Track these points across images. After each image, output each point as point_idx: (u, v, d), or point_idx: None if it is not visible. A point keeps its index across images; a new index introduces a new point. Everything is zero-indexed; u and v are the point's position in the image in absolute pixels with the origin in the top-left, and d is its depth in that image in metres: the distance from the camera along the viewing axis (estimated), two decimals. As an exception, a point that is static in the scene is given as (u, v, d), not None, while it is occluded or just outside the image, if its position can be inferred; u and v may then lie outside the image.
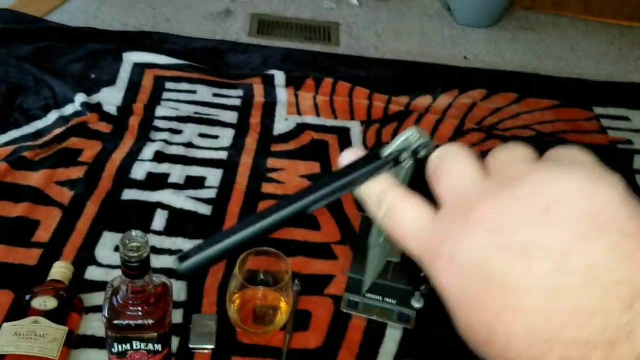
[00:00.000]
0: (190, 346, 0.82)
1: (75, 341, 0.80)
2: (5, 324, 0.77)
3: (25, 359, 0.74)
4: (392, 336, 0.87)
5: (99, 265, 0.91)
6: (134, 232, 0.63)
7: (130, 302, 0.67)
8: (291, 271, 0.82)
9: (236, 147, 1.17)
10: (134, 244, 0.63)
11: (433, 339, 0.86)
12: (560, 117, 1.35)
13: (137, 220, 0.98)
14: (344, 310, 0.89)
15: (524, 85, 1.46)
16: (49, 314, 0.79)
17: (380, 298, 0.90)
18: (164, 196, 1.03)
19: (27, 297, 0.80)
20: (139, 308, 0.67)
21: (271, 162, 1.14)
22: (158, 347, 0.70)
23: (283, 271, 0.82)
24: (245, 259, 0.82)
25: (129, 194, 1.03)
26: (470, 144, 1.23)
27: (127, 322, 0.67)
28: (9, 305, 0.82)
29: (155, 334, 0.69)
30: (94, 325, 0.82)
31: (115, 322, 0.67)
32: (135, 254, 0.62)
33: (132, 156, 1.10)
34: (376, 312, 0.88)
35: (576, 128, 1.33)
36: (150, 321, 0.68)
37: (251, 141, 1.19)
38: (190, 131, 1.19)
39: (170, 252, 0.94)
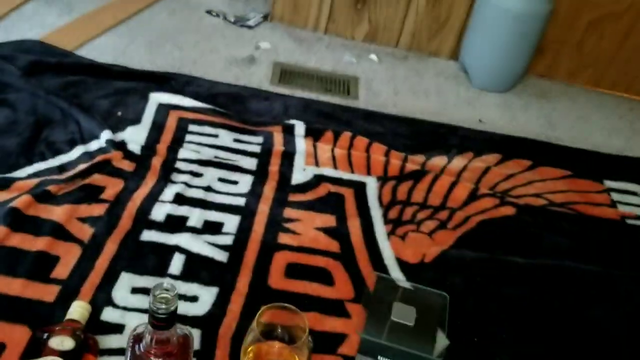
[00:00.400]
0: (202, 397, 0.82)
1: (88, 384, 0.80)
2: (21, 362, 0.77)
3: (39, 400, 0.74)
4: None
5: (115, 307, 0.91)
6: (165, 284, 0.64)
7: (153, 352, 0.67)
8: (308, 330, 0.82)
9: (254, 194, 1.19)
10: (164, 295, 0.64)
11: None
12: (572, 188, 1.37)
13: (155, 263, 0.99)
14: (356, 373, 0.89)
15: (537, 152, 1.49)
16: (65, 355, 0.79)
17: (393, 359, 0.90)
18: (182, 240, 1.04)
19: (45, 335, 0.81)
20: (161, 359, 0.68)
21: (288, 212, 1.16)
22: (175, 398, 0.71)
23: (300, 328, 0.83)
24: (263, 313, 0.83)
25: (148, 235, 1.04)
26: (484, 209, 1.25)
27: (148, 372, 0.67)
28: (26, 342, 0.82)
29: (173, 386, 0.69)
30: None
31: (137, 371, 0.67)
32: (164, 306, 0.64)
33: (153, 197, 1.12)
34: (388, 376, 0.89)
35: (587, 200, 1.35)
36: (170, 373, 0.68)
37: (269, 189, 1.21)
38: (210, 175, 1.21)
39: (185, 297, 0.95)
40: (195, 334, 0.90)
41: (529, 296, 1.06)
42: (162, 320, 0.65)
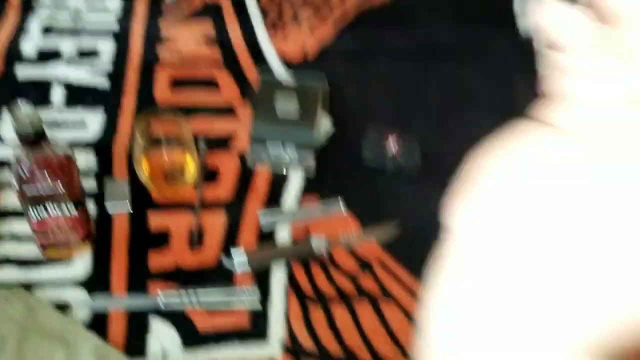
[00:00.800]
0: (108, 209, 0.87)
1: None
2: None
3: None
4: (295, 178, 0.95)
5: (3, 143, 0.92)
6: (20, 102, 0.65)
7: (36, 172, 0.71)
8: (190, 129, 0.87)
9: (126, 15, 1.15)
10: (25, 115, 0.65)
11: (333, 175, 0.96)
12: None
13: (35, 96, 0.98)
14: (250, 166, 0.96)
15: None
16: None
17: (282, 149, 0.97)
18: (59, 71, 1.02)
19: None
20: (46, 177, 0.71)
21: (164, 28, 1.14)
22: (74, 212, 0.76)
23: (183, 131, 0.87)
24: (142, 124, 0.86)
25: (23, 73, 1.01)
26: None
27: (37, 190, 0.71)
28: None
29: (67, 199, 0.74)
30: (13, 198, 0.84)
31: (26, 192, 0.71)
32: (29, 122, 0.65)
33: (19, 33, 1.07)
34: (279, 165, 0.96)
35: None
36: (60, 188, 0.72)
37: (141, 8, 1.17)
38: (74, 2, 1.15)
39: (74, 124, 0.96)
40: (91, 156, 0.93)
41: (409, 73, 1.12)
42: (32, 138, 0.67)
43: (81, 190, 0.77)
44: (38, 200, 0.72)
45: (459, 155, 0.99)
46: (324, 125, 1.02)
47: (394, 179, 0.97)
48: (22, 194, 0.71)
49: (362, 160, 0.98)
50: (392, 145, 0.98)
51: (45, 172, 0.71)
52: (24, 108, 0.66)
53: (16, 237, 0.82)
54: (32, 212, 0.73)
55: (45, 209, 0.73)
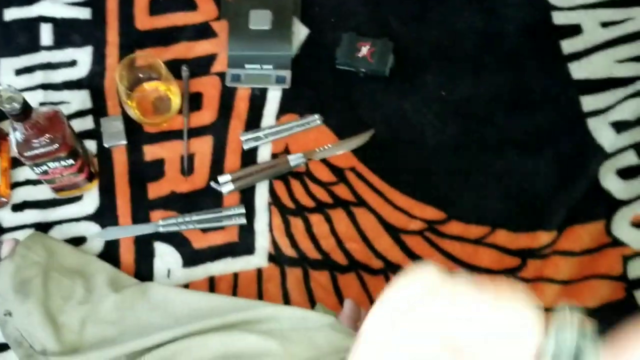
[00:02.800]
0: (106, 145, 0.98)
1: (10, 164, 0.96)
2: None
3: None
4: (273, 97, 1.01)
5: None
6: (1, 87, 0.73)
7: (30, 136, 0.80)
8: (164, 60, 0.93)
9: None
10: (6, 96, 0.73)
11: (309, 86, 1.01)
12: None
13: (26, 40, 1.05)
14: (229, 85, 1.02)
15: None
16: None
17: (259, 66, 1.02)
18: (43, 9, 1.07)
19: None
20: (40, 139, 0.81)
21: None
22: (71, 161, 0.86)
23: (159, 65, 0.93)
24: (121, 69, 0.92)
25: (9, 14, 1.07)
26: None
27: (34, 152, 0.81)
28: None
29: (63, 153, 0.84)
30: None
31: (26, 154, 0.82)
32: (12, 104, 0.74)
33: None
34: (257, 80, 1.02)
35: None
36: (55, 146, 0.82)
37: None
38: None
39: (65, 64, 1.03)
40: (86, 94, 1.02)
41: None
42: (18, 114, 0.75)
43: (74, 140, 0.86)
44: (37, 159, 0.83)
45: (434, 57, 1.02)
46: (298, 34, 1.05)
47: (368, 84, 1.01)
48: (22, 156, 0.82)
49: (337, 67, 1.01)
50: (366, 48, 1.00)
51: (38, 136, 0.81)
52: (6, 90, 0.73)
53: (31, 182, 0.95)
54: (35, 170, 0.85)
55: (45, 164, 0.84)
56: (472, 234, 0.92)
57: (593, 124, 0.97)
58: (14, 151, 0.82)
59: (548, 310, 0.39)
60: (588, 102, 0.99)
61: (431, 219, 0.93)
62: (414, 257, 0.91)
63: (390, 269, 0.90)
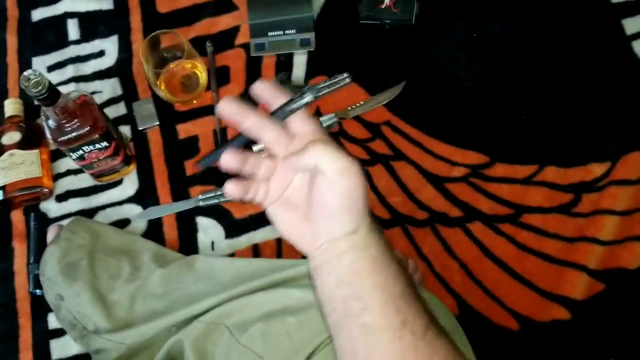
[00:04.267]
0: (140, 128, 0.98)
1: (50, 156, 0.98)
2: (-10, 164, 0.95)
3: (19, 184, 0.93)
4: (300, 62, 0.99)
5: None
6: (26, 72, 0.74)
7: (62, 121, 0.81)
8: (188, 39, 0.92)
9: None
10: (32, 80, 0.74)
11: (332, 54, 0.99)
12: None
13: (54, 37, 1.07)
14: (254, 55, 1.00)
15: None
16: (19, 145, 0.95)
17: (282, 32, 1.00)
18: (67, 4, 1.08)
19: (-4, 138, 0.96)
20: (72, 122, 0.82)
21: None
22: (105, 143, 0.87)
23: (182, 42, 0.92)
24: (145, 50, 0.92)
25: (36, 15, 1.09)
26: None
27: (67, 136, 0.82)
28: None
29: (96, 136, 0.85)
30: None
31: (60, 139, 0.83)
32: (39, 88, 0.74)
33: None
34: (281, 46, 1.00)
35: None
36: (86, 128, 0.83)
37: None
38: None
39: (93, 55, 1.04)
40: (115, 82, 1.03)
41: None
42: (46, 99, 0.76)
43: (106, 123, 0.87)
44: (71, 144, 0.84)
45: (461, 1, 0.98)
46: (319, -7, 1.02)
47: (394, 36, 0.98)
48: (55, 142, 0.83)
49: (361, 22, 0.99)
50: (389, -1, 0.97)
51: (69, 120, 0.81)
52: (31, 75, 0.74)
53: (72, 172, 0.97)
54: (70, 155, 0.86)
55: (80, 148, 0.85)
56: (520, 173, 0.87)
57: (638, 46, 0.91)
58: (49, 139, 0.83)
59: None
60: (630, 25, 0.92)
61: (475, 164, 0.89)
62: (459, 204, 0.87)
63: (436, 219, 0.87)
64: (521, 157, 0.88)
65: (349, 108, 0.95)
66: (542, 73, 0.93)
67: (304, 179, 0.43)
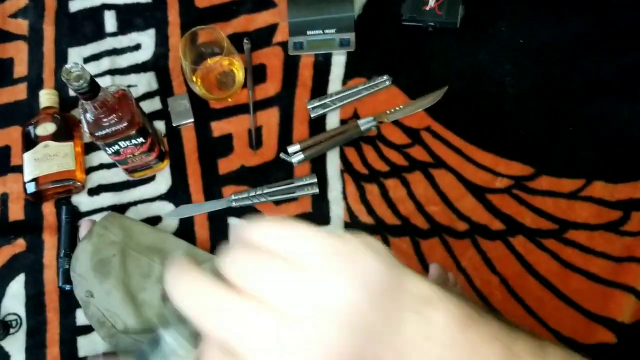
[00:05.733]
0: (174, 125, 0.97)
1: (83, 149, 0.97)
2: (25, 155, 0.94)
3: (52, 176, 0.92)
4: (338, 62, 0.97)
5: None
6: (68, 65, 0.73)
7: (100, 116, 0.80)
8: (225, 35, 0.90)
9: None
10: (74, 74, 0.73)
11: (375, 47, 0.96)
12: None
13: (91, 29, 1.06)
14: (292, 54, 0.98)
15: None
16: (54, 136, 0.94)
17: (321, 31, 0.98)
18: (106, -3, 1.08)
19: (30, 128, 0.95)
20: (110, 117, 0.80)
21: None
22: (141, 139, 0.85)
23: (221, 38, 0.91)
24: (183, 45, 0.90)
25: (75, 5, 1.08)
26: None
27: (105, 131, 0.81)
28: (21, 138, 0.97)
29: (133, 131, 0.84)
30: (92, 133, 0.97)
31: (97, 134, 0.81)
32: (80, 82, 0.73)
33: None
34: (320, 46, 0.98)
35: None
36: (124, 124, 0.82)
37: None
38: None
39: (129, 49, 1.03)
40: (152, 76, 1.01)
41: None
42: (86, 92, 0.75)
43: (143, 119, 0.86)
44: (107, 139, 0.83)
45: (507, 1, 0.94)
46: (360, -4, 1.00)
47: (438, 38, 0.95)
48: (93, 136, 0.82)
49: (403, 23, 0.96)
50: (433, 0, 0.94)
51: (107, 115, 0.80)
52: (73, 68, 0.73)
53: (105, 166, 0.95)
54: (106, 149, 0.85)
55: (116, 143, 0.84)
56: (565, 187, 0.84)
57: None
58: (86, 133, 0.82)
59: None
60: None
61: (518, 175, 0.86)
62: (501, 216, 0.84)
63: (476, 231, 0.84)
64: (567, 170, 0.85)
65: (388, 112, 0.92)
66: (592, 82, 0.89)
67: None
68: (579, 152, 0.86)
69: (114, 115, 0.81)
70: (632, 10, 0.92)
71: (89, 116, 0.81)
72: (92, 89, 0.76)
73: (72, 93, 1.01)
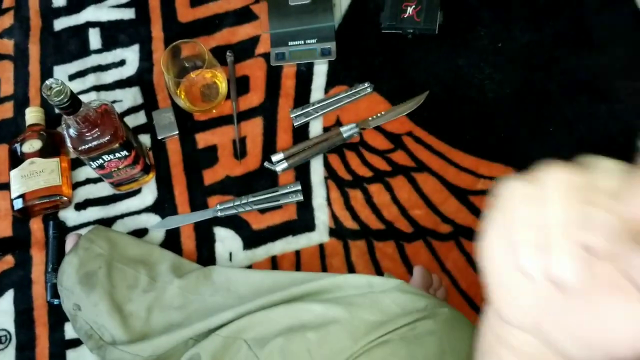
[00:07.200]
0: (159, 137, 0.98)
1: (70, 165, 0.97)
2: (12, 172, 0.95)
3: (39, 192, 0.93)
4: (320, 71, 0.98)
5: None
6: (48, 81, 0.74)
7: (83, 130, 0.81)
8: (209, 48, 0.92)
9: None
10: (54, 89, 0.74)
11: (353, 64, 0.98)
12: None
13: (76, 46, 1.07)
14: (274, 64, 0.99)
15: None
16: (40, 153, 0.95)
17: (303, 42, 0.99)
18: (89, 14, 1.09)
19: (17, 146, 0.96)
20: (92, 131, 0.81)
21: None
22: (125, 152, 0.86)
23: (203, 51, 0.92)
24: (166, 60, 0.91)
25: (59, 24, 1.09)
26: None
27: (88, 145, 0.82)
28: (7, 156, 0.98)
29: (116, 145, 0.84)
30: (79, 148, 0.98)
31: (80, 148, 0.82)
32: (60, 97, 0.74)
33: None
34: (301, 56, 0.99)
35: None
36: (107, 137, 0.82)
37: None
38: None
39: (114, 65, 1.04)
40: (136, 91, 1.02)
41: None
42: (67, 107, 0.76)
43: (126, 132, 0.87)
44: (91, 153, 0.83)
45: (485, 6, 0.96)
46: (340, 3, 1.01)
47: (417, 45, 0.97)
48: (76, 151, 0.82)
49: (383, 32, 0.97)
50: (411, 8, 0.96)
51: (90, 129, 0.81)
52: (54, 84, 0.74)
53: (91, 181, 0.96)
54: (90, 163, 0.85)
55: (100, 157, 0.85)
56: (546, 187, 0.84)
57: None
58: (69, 147, 0.83)
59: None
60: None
61: (500, 176, 0.87)
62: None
63: (460, 233, 0.84)
64: (548, 170, 0.85)
65: (370, 118, 0.93)
66: (570, 83, 0.91)
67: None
68: (559, 152, 0.87)
69: (97, 129, 0.82)
70: (607, 11, 0.93)
71: (72, 131, 0.81)
72: (73, 104, 0.76)
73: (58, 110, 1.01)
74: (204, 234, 0.90)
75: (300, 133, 0.94)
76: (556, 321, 0.29)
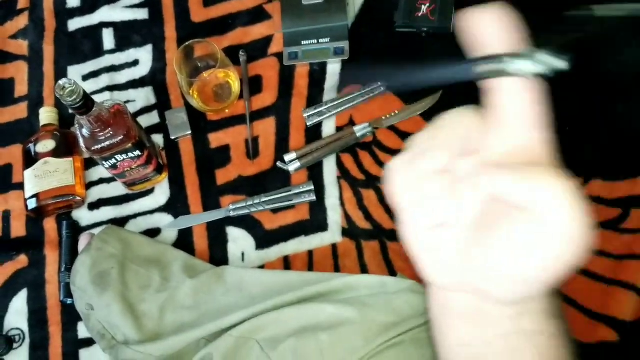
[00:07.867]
0: (172, 137, 0.98)
1: (83, 164, 0.98)
2: (26, 172, 0.95)
3: (53, 192, 0.93)
4: (333, 71, 0.98)
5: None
6: (61, 81, 0.74)
7: (96, 130, 0.81)
8: (222, 48, 0.91)
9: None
10: (67, 89, 0.74)
11: (369, 54, 0.97)
12: None
13: (90, 47, 1.07)
14: (287, 64, 0.99)
15: None
16: (54, 153, 0.96)
17: (316, 41, 0.99)
18: (103, 15, 1.09)
19: (31, 145, 0.97)
20: (105, 131, 0.81)
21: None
22: (137, 152, 0.86)
23: (215, 51, 0.92)
24: (178, 59, 0.91)
25: (73, 24, 1.10)
26: None
27: (101, 145, 0.82)
28: (22, 156, 0.99)
29: (129, 145, 0.84)
30: (92, 148, 0.98)
31: (93, 148, 0.82)
32: (73, 97, 0.74)
33: (61, -14, 1.14)
34: (314, 55, 0.98)
35: None
36: (120, 137, 0.82)
37: None
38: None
39: (128, 65, 1.05)
40: (149, 91, 1.02)
41: None
42: (80, 107, 0.76)
43: (139, 132, 0.87)
44: (104, 153, 0.83)
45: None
46: (353, 2, 1.01)
47: (431, 44, 0.96)
48: (89, 151, 0.83)
49: (396, 30, 0.96)
50: (425, 6, 0.95)
51: (102, 129, 0.81)
52: (67, 84, 0.74)
53: (105, 180, 0.96)
54: (103, 163, 0.85)
55: (113, 157, 0.85)
56: (563, 187, 0.83)
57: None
58: (82, 147, 0.83)
59: None
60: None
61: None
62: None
63: (474, 233, 0.83)
64: (565, 170, 0.84)
65: (384, 117, 0.92)
66: (587, 81, 0.89)
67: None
68: (576, 151, 0.86)
69: (110, 129, 0.82)
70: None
71: (85, 131, 0.82)
72: (86, 104, 0.76)
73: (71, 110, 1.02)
74: (217, 233, 0.90)
75: (313, 133, 0.94)
76: (471, 267, 0.30)
